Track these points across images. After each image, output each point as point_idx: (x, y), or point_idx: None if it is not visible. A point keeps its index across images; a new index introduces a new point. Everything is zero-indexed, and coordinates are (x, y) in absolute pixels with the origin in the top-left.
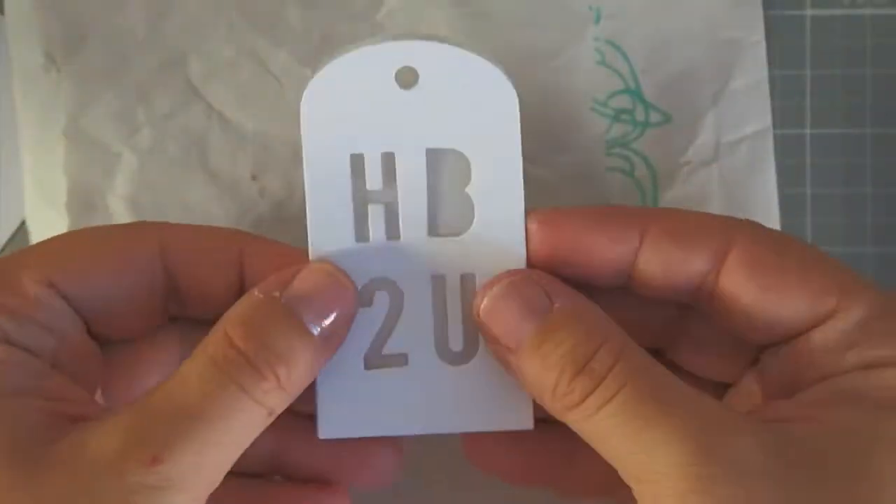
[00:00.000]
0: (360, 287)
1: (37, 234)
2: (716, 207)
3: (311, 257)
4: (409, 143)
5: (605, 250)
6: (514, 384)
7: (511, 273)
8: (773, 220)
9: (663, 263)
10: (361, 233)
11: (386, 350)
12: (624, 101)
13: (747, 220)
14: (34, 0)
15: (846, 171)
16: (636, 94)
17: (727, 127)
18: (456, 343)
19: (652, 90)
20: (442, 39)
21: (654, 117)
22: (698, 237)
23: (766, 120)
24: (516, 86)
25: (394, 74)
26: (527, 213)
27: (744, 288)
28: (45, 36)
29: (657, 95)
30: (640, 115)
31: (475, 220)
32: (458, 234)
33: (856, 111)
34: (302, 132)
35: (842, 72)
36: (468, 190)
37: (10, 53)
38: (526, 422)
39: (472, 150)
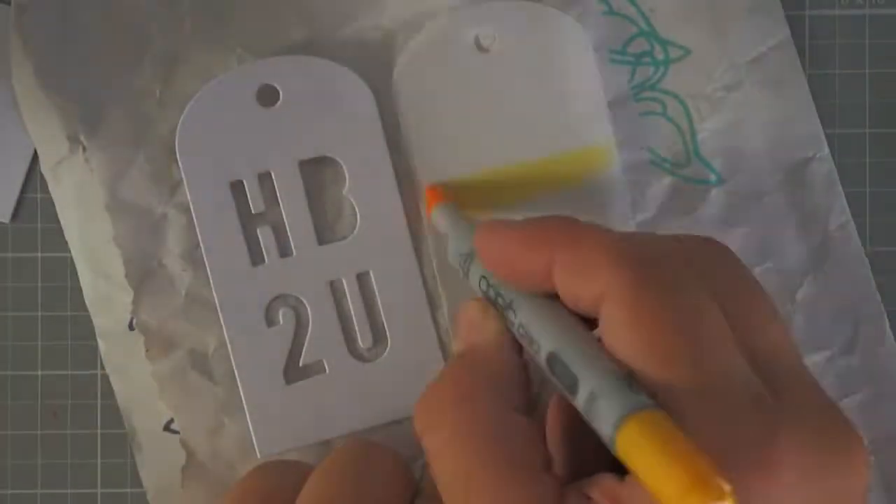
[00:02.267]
0: (263, 308)
1: (98, 311)
2: (754, 127)
3: (213, 288)
4: (281, 160)
5: (526, 272)
6: (428, 367)
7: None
8: (813, 126)
9: (565, 289)
10: (256, 256)
11: (302, 362)
12: (641, 45)
13: (631, 266)
14: (44, 89)
15: (845, 171)
16: (651, 34)
17: (746, 46)
18: (366, 341)
19: (665, 27)
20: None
21: (674, 53)
22: (585, 276)
23: (785, 31)
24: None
25: (254, 95)
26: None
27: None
28: (63, 119)
29: (671, 31)
30: (659, 54)
31: (358, 220)
32: (345, 238)
33: (855, 111)
34: (181, 169)
35: (840, 71)
36: (346, 193)
37: (34, 146)
38: None
39: (343, 154)
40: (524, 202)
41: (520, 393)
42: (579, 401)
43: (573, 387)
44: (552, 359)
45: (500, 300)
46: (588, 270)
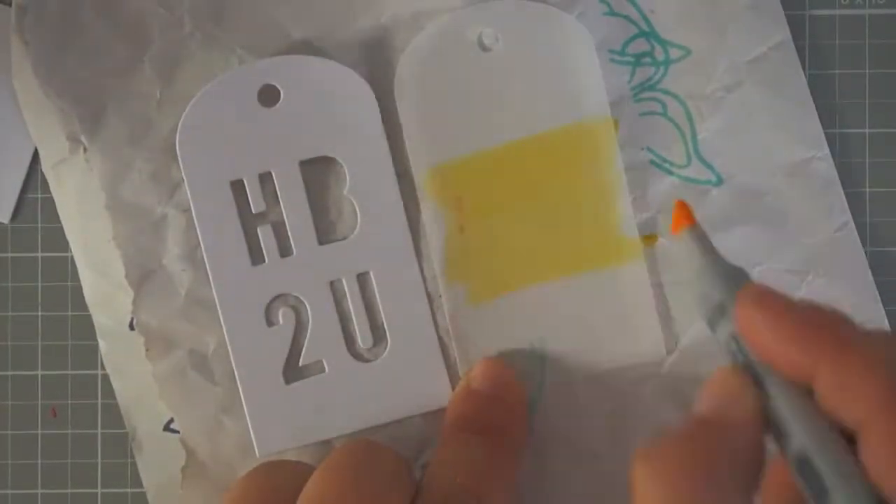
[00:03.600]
0: (263, 308)
1: (99, 310)
2: (754, 127)
3: (213, 287)
4: (282, 160)
5: (787, 366)
6: (428, 368)
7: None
8: (813, 126)
9: (824, 401)
10: (256, 256)
11: (302, 361)
12: (641, 45)
13: None
14: (45, 90)
15: (845, 171)
16: (651, 35)
17: (746, 46)
18: (366, 341)
19: (665, 27)
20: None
21: (674, 53)
22: (849, 397)
23: (785, 31)
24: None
25: (256, 95)
26: (742, 287)
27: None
28: (64, 120)
29: (672, 31)
30: (659, 55)
31: (359, 220)
32: (345, 238)
33: (855, 111)
34: (182, 168)
35: (840, 71)
36: (347, 193)
37: (35, 146)
38: (447, 399)
39: (343, 154)
40: (526, 205)
41: (755, 478)
42: None
43: (822, 498)
44: (803, 459)
45: (751, 370)
46: (853, 392)
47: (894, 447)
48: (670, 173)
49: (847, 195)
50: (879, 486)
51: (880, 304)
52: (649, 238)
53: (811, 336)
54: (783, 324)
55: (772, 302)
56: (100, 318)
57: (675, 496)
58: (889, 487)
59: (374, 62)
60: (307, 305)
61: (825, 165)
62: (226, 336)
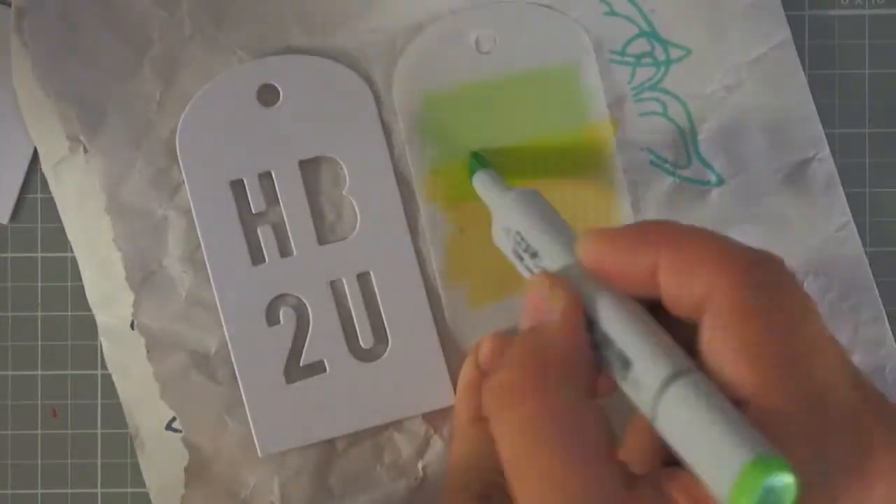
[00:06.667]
0: (264, 308)
1: (101, 309)
2: (755, 127)
3: (214, 288)
4: (282, 160)
5: (630, 274)
6: (429, 367)
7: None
8: (813, 126)
9: (669, 291)
10: (256, 256)
11: (303, 361)
12: (641, 45)
13: (737, 265)
14: (44, 91)
15: (845, 171)
16: (651, 34)
17: (746, 46)
18: (367, 340)
19: (665, 27)
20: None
21: (675, 53)
22: (690, 275)
23: (785, 31)
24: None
25: (255, 94)
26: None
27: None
28: (64, 120)
29: (672, 31)
30: (660, 55)
31: (359, 220)
32: (345, 238)
33: (855, 111)
34: (182, 168)
35: (840, 71)
36: (346, 193)
37: (35, 145)
38: (448, 398)
39: (343, 154)
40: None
41: (587, 374)
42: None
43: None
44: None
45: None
46: (693, 270)
47: (732, 310)
48: (670, 174)
49: (847, 195)
50: (720, 363)
51: (881, 304)
52: None
53: (647, 238)
54: (622, 239)
55: (608, 230)
56: (101, 318)
57: (523, 413)
58: (727, 354)
59: (374, 62)
60: (308, 305)
61: (825, 165)
62: (227, 336)
